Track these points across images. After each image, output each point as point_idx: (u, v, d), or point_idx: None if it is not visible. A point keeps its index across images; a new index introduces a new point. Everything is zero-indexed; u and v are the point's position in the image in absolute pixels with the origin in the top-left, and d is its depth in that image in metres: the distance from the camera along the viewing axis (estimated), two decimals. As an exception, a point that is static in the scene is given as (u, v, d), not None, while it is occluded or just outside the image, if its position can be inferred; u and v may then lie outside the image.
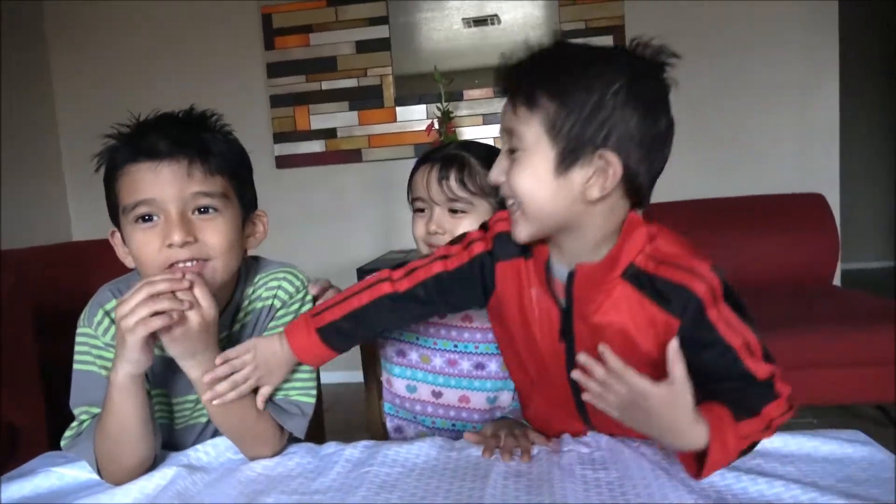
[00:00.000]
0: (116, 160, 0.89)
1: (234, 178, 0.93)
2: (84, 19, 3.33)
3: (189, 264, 0.88)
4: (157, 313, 0.81)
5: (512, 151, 0.81)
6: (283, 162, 3.26)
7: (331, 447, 0.97)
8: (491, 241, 0.91)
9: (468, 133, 3.11)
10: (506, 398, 1.13)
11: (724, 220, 2.76)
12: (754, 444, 0.79)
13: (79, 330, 0.96)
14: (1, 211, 2.93)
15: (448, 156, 1.10)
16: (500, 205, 1.02)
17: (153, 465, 0.93)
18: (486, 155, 1.09)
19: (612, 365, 0.72)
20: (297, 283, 1.03)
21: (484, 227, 0.95)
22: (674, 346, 0.71)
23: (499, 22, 3.11)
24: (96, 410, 0.91)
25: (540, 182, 0.79)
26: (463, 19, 3.12)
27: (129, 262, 0.93)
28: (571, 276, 0.83)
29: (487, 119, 3.13)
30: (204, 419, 1.03)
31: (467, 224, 1.08)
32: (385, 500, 0.79)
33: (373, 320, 0.95)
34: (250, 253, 1.04)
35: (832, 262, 2.74)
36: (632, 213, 0.82)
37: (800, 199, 2.82)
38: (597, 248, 0.82)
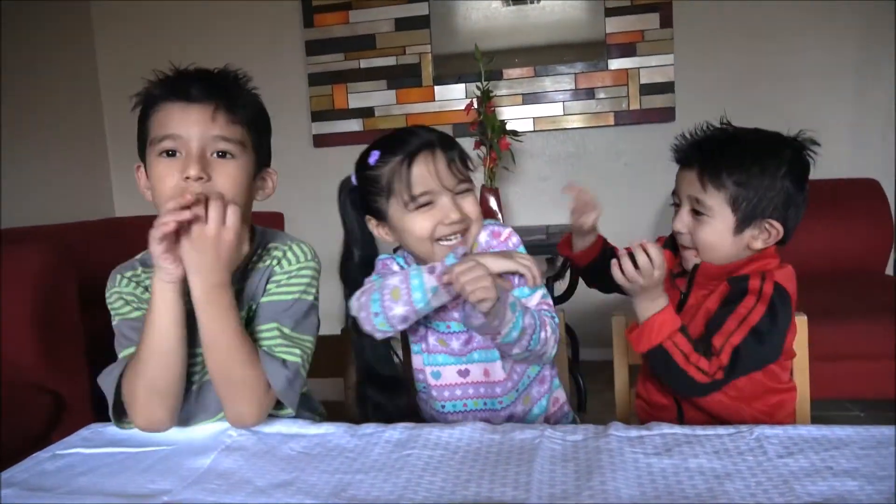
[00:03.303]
0: (152, 98, 0.97)
1: (253, 130, 1.01)
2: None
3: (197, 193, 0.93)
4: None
5: (696, 213, 1.07)
6: (320, 141, 3.25)
7: (370, 428, 0.95)
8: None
9: (508, 112, 3.05)
10: (521, 366, 1.12)
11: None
12: (670, 361, 1.01)
13: (107, 293, 1.05)
14: (45, 186, 2.99)
15: (439, 139, 1.05)
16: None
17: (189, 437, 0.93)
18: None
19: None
20: (302, 255, 1.07)
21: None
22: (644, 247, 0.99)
23: (538, 0, 3.04)
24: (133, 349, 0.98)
25: (720, 239, 1.07)
26: (502, -2, 3.06)
27: (147, 196, 1.00)
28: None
29: (527, 99, 3.07)
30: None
31: (472, 200, 1.07)
32: (429, 482, 0.77)
33: None
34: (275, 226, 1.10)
35: (886, 251, 2.64)
36: (773, 249, 1.09)
37: (854, 185, 2.71)
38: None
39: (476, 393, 1.12)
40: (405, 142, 1.05)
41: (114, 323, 1.02)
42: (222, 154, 0.96)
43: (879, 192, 2.67)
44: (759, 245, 1.07)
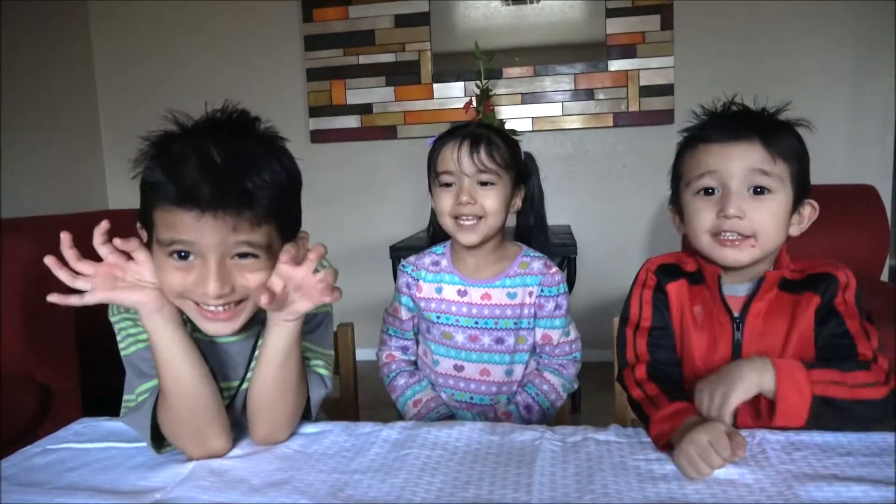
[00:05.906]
0: (156, 192, 0.81)
1: (281, 222, 0.86)
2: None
3: (220, 309, 0.84)
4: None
5: (758, 191, 0.92)
6: (317, 136, 3.23)
7: (367, 427, 0.94)
8: (654, 274, 1.05)
9: (506, 111, 3.05)
10: (519, 371, 1.25)
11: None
12: (833, 400, 0.82)
13: (115, 318, 0.92)
14: (40, 179, 2.96)
15: (475, 132, 1.19)
16: (518, 179, 1.22)
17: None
18: (503, 135, 1.23)
19: None
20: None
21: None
22: None
23: (538, 0, 3.02)
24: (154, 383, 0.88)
25: (782, 222, 0.93)
26: (502, -3, 3.05)
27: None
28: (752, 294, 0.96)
29: (526, 98, 3.06)
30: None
31: (494, 195, 1.18)
32: (428, 482, 0.75)
33: None
34: None
35: (881, 257, 2.64)
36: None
37: (850, 191, 2.71)
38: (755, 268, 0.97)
39: (466, 387, 1.25)
40: (452, 132, 1.22)
41: (129, 350, 0.90)
42: (244, 255, 0.84)
43: (876, 198, 2.66)
44: (794, 231, 0.96)
